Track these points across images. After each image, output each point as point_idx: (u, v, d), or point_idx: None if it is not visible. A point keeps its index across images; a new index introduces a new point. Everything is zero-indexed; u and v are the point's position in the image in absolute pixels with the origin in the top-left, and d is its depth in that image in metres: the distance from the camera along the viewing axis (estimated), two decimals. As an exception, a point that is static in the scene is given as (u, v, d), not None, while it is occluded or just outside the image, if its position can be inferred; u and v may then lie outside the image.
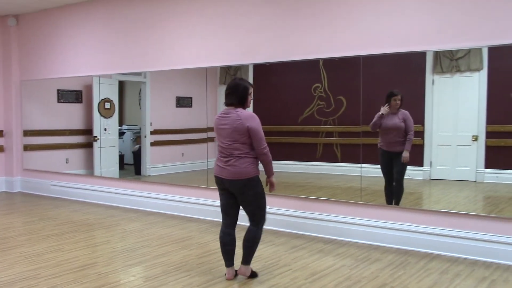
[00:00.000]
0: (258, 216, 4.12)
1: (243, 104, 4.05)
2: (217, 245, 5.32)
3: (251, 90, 4.08)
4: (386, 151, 5.74)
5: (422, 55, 5.57)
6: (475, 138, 5.52)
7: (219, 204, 6.46)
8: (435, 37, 5.04)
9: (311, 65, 6.42)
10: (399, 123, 5.59)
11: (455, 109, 5.70)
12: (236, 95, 4.03)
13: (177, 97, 8.31)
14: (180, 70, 7.03)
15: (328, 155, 6.92)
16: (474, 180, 5.64)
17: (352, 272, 4.41)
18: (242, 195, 4.04)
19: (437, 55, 5.59)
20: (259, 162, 4.07)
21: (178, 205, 6.98)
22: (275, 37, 6.07)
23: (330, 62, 6.16)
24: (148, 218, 6.74)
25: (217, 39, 6.56)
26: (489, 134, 5.50)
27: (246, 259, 4.19)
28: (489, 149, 5.53)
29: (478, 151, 5.54)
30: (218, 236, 5.66)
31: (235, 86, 4.05)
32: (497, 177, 5.56)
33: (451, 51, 5.43)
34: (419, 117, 5.80)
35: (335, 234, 5.58)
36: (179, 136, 8.24)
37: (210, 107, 7.67)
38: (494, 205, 5.48)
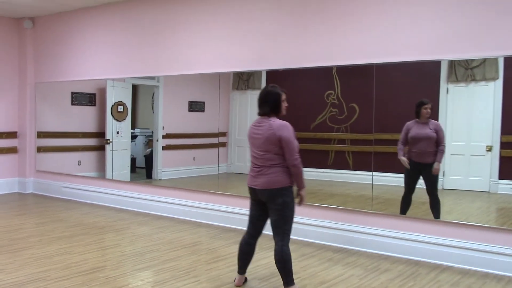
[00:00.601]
0: (281, 229, 3.90)
1: (276, 113, 3.96)
2: (226, 251, 5.32)
3: (284, 96, 3.98)
4: (415, 162, 5.57)
5: (437, 63, 5.53)
6: (489, 148, 5.45)
7: (228, 210, 6.53)
8: (451, 46, 4.99)
9: (324, 72, 6.41)
10: (431, 133, 5.45)
11: (469, 118, 5.63)
12: (268, 104, 3.94)
13: (189, 101, 8.33)
14: (193, 75, 7.05)
15: (340, 163, 6.89)
16: (487, 190, 5.57)
17: (362, 282, 4.37)
18: (271, 203, 3.92)
19: (452, 64, 5.54)
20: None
21: (188, 209, 6.98)
22: (288, 43, 6.06)
23: (343, 69, 6.14)
24: (158, 222, 6.75)
25: (231, 45, 6.56)
26: (503, 145, 5.43)
27: (286, 281, 3.91)
28: (503, 160, 5.46)
29: (492, 162, 5.47)
30: (227, 242, 5.69)
31: (266, 94, 3.97)
32: (511, 188, 5.48)
33: (466, 60, 5.38)
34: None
35: (345, 243, 5.53)
36: (191, 141, 8.26)
37: (222, 112, 7.69)
38: (507, 216, 5.40)
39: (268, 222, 4.06)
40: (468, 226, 4.95)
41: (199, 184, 7.51)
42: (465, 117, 5.63)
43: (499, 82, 5.40)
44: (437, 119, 5.72)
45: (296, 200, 4.03)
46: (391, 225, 5.33)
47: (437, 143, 5.44)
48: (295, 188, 3.99)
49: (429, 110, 5.49)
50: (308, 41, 5.91)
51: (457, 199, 5.78)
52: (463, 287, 4.29)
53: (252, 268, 4.73)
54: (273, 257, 5.05)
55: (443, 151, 5.43)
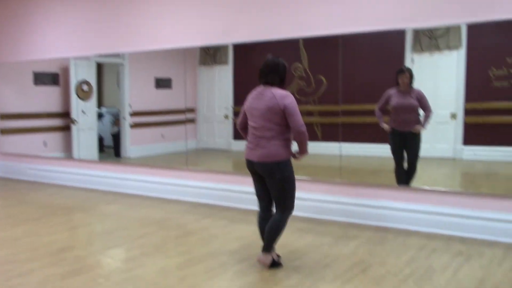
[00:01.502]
0: (283, 203, 3.90)
1: (283, 84, 3.91)
2: (196, 225, 5.33)
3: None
4: (399, 131, 5.53)
5: (401, 33, 5.56)
6: (454, 116, 5.54)
7: (198, 185, 6.52)
8: (414, 15, 5.02)
9: (291, 44, 6.37)
10: (414, 102, 5.37)
11: (434, 87, 5.70)
12: (278, 74, 3.85)
13: (156, 78, 8.21)
14: (159, 51, 6.93)
15: (309, 134, 6.92)
16: (452, 157, 5.68)
17: (332, 249, 4.43)
18: (270, 179, 3.87)
19: (417, 33, 5.58)
20: (293, 143, 3.90)
21: (158, 186, 6.94)
22: (255, 16, 6.00)
23: (310, 41, 6.11)
24: (127, 200, 6.69)
25: (196, 19, 6.46)
26: (467, 112, 5.53)
27: (266, 247, 3.96)
28: (467, 127, 5.56)
29: (456, 129, 5.57)
30: (197, 217, 5.69)
31: (276, 64, 3.86)
32: (474, 154, 5.60)
33: (430, 30, 5.42)
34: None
35: (315, 213, 5.60)
36: (158, 118, 8.17)
37: (190, 88, 7.61)
38: (471, 181, 5.54)
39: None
40: (434, 192, 5.06)
41: (168, 161, 7.46)
42: (430, 85, 5.69)
43: (462, 51, 5.46)
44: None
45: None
46: (359, 194, 5.40)
47: (424, 110, 5.36)
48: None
49: (406, 80, 5.38)
50: (275, 13, 5.86)
51: (424, 166, 5.87)
52: (429, 250, 4.40)
53: (223, 241, 4.75)
54: (243, 230, 5.11)
55: (429, 117, 5.36)
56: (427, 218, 4.99)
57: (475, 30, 5.21)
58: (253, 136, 3.91)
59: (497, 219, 4.67)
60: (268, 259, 3.98)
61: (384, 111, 5.56)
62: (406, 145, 5.51)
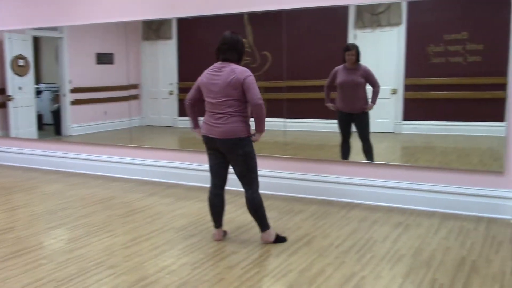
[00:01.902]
0: (248, 178, 3.92)
1: (241, 61, 3.88)
2: (142, 203, 5.27)
3: None
4: (345, 112, 5.55)
5: (344, 9, 5.61)
6: (394, 91, 5.68)
7: (143, 162, 6.44)
8: (355, -9, 5.09)
9: (236, 19, 6.31)
10: (358, 79, 5.39)
11: (376, 63, 5.80)
12: (237, 51, 3.83)
13: (97, 53, 7.95)
14: (100, 25, 6.71)
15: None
16: (392, 131, 5.85)
17: (277, 223, 4.51)
18: (232, 154, 3.85)
19: (359, 9, 5.65)
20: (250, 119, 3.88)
21: (102, 165, 6.80)
22: (197, -11, 5.90)
23: (254, 17, 6.08)
24: (70, 179, 6.53)
25: (137, -8, 6.29)
26: (407, 87, 5.69)
27: (262, 226, 4.00)
28: (407, 102, 5.73)
29: (396, 104, 5.73)
30: (143, 195, 5.63)
31: (236, 41, 3.83)
32: (414, 128, 5.79)
33: (372, 6, 5.50)
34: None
35: (261, 188, 5.64)
36: (101, 94, 7.94)
37: (133, 64, 7.43)
38: (411, 154, 5.74)
39: (231, 169, 4.01)
40: (375, 165, 5.22)
41: (112, 138, 7.30)
42: (372, 61, 5.78)
43: (403, 27, 5.59)
44: (346, 64, 5.86)
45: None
46: (303, 169, 5.50)
47: (371, 85, 5.40)
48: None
49: (352, 57, 5.39)
50: (217, -13, 5.79)
51: (352, 141, 5.98)
52: (371, 222, 4.56)
53: (169, 218, 4.73)
54: (188, 207, 5.10)
55: (377, 93, 5.40)
56: (369, 191, 5.15)
57: (415, 6, 5.35)
58: (211, 113, 3.87)
59: (435, 190, 4.88)
60: (271, 235, 4.03)
61: (332, 88, 5.63)
62: (355, 123, 5.56)
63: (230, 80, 3.74)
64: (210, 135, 3.87)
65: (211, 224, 4.53)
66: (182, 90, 7.32)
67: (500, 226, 4.39)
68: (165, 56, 7.67)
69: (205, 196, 5.52)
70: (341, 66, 5.51)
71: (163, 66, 7.74)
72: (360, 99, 5.48)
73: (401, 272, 3.44)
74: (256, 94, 3.74)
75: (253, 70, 6.82)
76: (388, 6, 5.49)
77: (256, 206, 3.95)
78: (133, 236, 4.24)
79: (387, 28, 5.67)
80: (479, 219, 4.58)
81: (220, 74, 3.80)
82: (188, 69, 7.35)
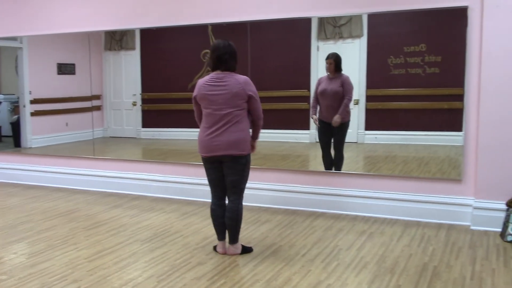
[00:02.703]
0: (239, 188, 3.90)
1: (235, 69, 3.84)
2: (106, 216, 5.20)
3: None
4: (325, 121, 5.57)
5: (307, 21, 5.71)
6: (356, 102, 5.79)
7: (106, 174, 6.34)
8: (319, 4, 5.19)
9: (199, 30, 6.33)
10: (337, 88, 5.42)
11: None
12: (233, 60, 3.80)
13: (58, 63, 7.81)
14: (61, 35, 6.61)
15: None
16: (355, 141, 5.95)
17: (243, 234, 4.51)
18: (234, 163, 3.81)
19: (322, 21, 5.76)
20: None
21: (63, 177, 6.67)
22: (162, 1, 5.89)
23: (218, 28, 6.11)
24: (30, 192, 6.37)
25: (101, 2, 6.23)
26: (368, 98, 5.81)
27: (234, 238, 3.98)
28: (368, 112, 5.85)
29: (359, 114, 5.83)
30: (106, 207, 5.55)
31: (234, 49, 3.81)
32: (375, 138, 5.92)
33: (334, 18, 5.62)
34: (306, 82, 5.96)
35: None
36: (62, 105, 7.79)
37: (95, 74, 7.34)
38: (373, 164, 5.85)
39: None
40: (339, 174, 5.31)
41: (74, 150, 7.17)
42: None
43: (364, 39, 5.72)
44: (309, 75, 5.95)
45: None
46: (269, 179, 5.53)
47: (343, 94, 5.42)
48: None
49: (330, 65, 5.43)
50: (181, -2, 5.80)
51: (317, 150, 6.05)
52: (336, 230, 4.62)
53: (134, 230, 4.68)
54: (153, 219, 5.06)
55: (346, 105, 5.42)
56: (333, 200, 5.22)
57: (375, 20, 5.49)
58: (212, 124, 3.80)
59: (397, 198, 4.99)
60: (238, 248, 4.01)
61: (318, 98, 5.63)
62: (331, 132, 5.57)
63: (237, 91, 3.72)
64: (213, 148, 3.79)
65: (177, 235, 4.52)
66: (146, 101, 7.27)
67: (459, 232, 4.53)
68: (128, 67, 7.60)
69: (171, 207, 5.50)
70: (325, 76, 5.56)
71: (126, 76, 7.67)
72: (337, 108, 5.47)
73: (366, 279, 3.49)
74: (260, 110, 3.88)
75: (217, 81, 6.84)
76: (350, 18, 5.62)
77: (238, 217, 3.93)
78: (97, 249, 4.17)
79: (349, 40, 5.79)
80: (439, 226, 4.71)
81: (224, 84, 3.74)
82: (152, 80, 7.31)
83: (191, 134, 6.99)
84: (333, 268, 3.70)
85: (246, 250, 4.06)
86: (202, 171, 5.84)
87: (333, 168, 5.51)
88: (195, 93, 3.88)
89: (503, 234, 4.33)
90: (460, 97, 4.85)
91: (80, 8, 6.35)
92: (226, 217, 3.94)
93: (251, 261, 3.87)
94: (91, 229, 4.76)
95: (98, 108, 7.60)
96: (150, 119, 7.32)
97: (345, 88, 5.43)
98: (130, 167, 6.33)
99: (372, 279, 3.49)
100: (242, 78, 3.79)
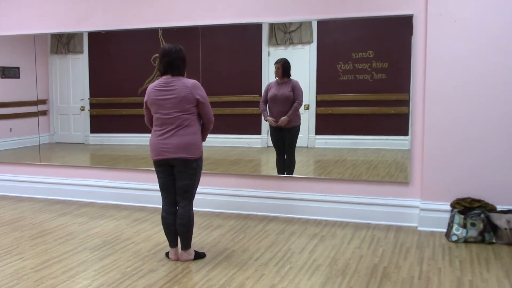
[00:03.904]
0: (190, 193, 3.89)
1: (183, 73, 3.82)
2: (52, 224, 5.04)
3: None
4: (274, 127, 5.60)
5: (258, 27, 5.75)
6: (307, 107, 5.87)
7: (53, 181, 6.15)
8: (269, 10, 5.24)
9: (150, 34, 6.26)
10: (287, 93, 5.44)
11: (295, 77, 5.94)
12: (183, 64, 3.79)
13: (1, 67, 7.53)
14: (4, 37, 6.38)
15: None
16: (306, 146, 6.03)
17: (195, 240, 4.47)
18: (185, 167, 3.80)
19: (272, 27, 5.81)
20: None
21: (7, 184, 6.43)
22: (111, 3, 5.80)
23: (169, 32, 6.06)
24: (-28, 200, 6.11)
25: (47, 3, 6.06)
26: (318, 103, 5.90)
27: (186, 244, 3.95)
28: (318, 117, 5.94)
29: (309, 119, 5.92)
30: (53, 215, 5.39)
31: (182, 53, 3.78)
32: (325, 142, 6.01)
33: (284, 24, 5.68)
34: (257, 87, 5.98)
35: (178, 204, 5.60)
36: (5, 110, 7.50)
37: (41, 78, 7.11)
38: (323, 168, 5.94)
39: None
40: (291, 178, 5.36)
41: (19, 156, 6.92)
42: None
43: (314, 45, 5.81)
44: (260, 81, 5.98)
45: None
46: (221, 183, 5.52)
47: (294, 98, 5.47)
48: None
49: (277, 70, 5.47)
50: (132, 2, 5.72)
51: (268, 155, 6.10)
52: (288, 234, 4.66)
53: (83, 238, 4.56)
54: (103, 226, 4.95)
55: (296, 108, 5.47)
56: (285, 204, 5.27)
57: (324, 26, 5.59)
58: (163, 127, 3.79)
59: (347, 201, 5.09)
60: (191, 254, 3.99)
61: (267, 103, 5.63)
62: (283, 137, 5.62)
63: (184, 95, 3.71)
64: (164, 152, 3.79)
65: (127, 242, 4.44)
66: (94, 106, 7.11)
67: (407, 233, 4.66)
68: (75, 71, 7.41)
69: (122, 213, 5.40)
70: (274, 81, 5.60)
71: (73, 81, 7.47)
72: (287, 113, 5.51)
73: (318, 282, 3.54)
74: (210, 113, 3.88)
75: (168, 86, 6.77)
76: (300, 25, 5.70)
77: (190, 223, 3.91)
78: (44, 259, 4.04)
79: (299, 46, 5.87)
80: (388, 228, 4.83)
81: (171, 89, 3.73)
82: (100, 84, 7.15)
83: (141, 140, 6.89)
84: (286, 272, 3.73)
85: (199, 255, 4.04)
86: (153, 176, 5.76)
87: (285, 172, 5.56)
88: (145, 98, 3.87)
89: (448, 234, 4.49)
90: (406, 103, 5.01)
91: (25, 9, 6.16)
92: (178, 224, 3.91)
93: (204, 266, 3.85)
94: (37, 238, 4.60)
95: (44, 113, 7.36)
96: (98, 124, 7.16)
97: (296, 93, 5.49)
98: (78, 173, 6.17)
99: (325, 281, 3.54)
100: (190, 82, 3.79)
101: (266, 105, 5.66)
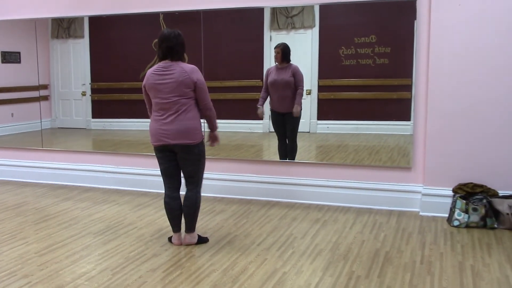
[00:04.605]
0: (196, 178, 3.90)
1: (183, 58, 3.82)
2: (56, 209, 5.06)
3: None
4: (276, 112, 5.59)
5: (260, 11, 5.71)
6: (309, 92, 5.86)
7: (56, 166, 6.17)
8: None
9: (151, 19, 6.22)
10: (288, 78, 5.42)
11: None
12: (183, 49, 3.78)
13: (2, 52, 7.50)
14: (5, 22, 6.35)
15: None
16: (308, 131, 6.03)
17: (199, 224, 4.49)
18: (187, 153, 3.80)
19: (274, 11, 5.77)
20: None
21: (10, 169, 6.44)
22: (110, -13, 5.76)
23: (170, 16, 6.02)
24: (-25, 185, 6.13)
25: (46, -12, 6.02)
26: (320, 88, 5.88)
27: (190, 227, 3.97)
28: (320, 102, 5.92)
29: (311, 104, 5.91)
30: (56, 199, 5.41)
31: (180, 38, 3.77)
32: (328, 127, 6.01)
33: (286, 9, 5.65)
34: (259, 72, 5.97)
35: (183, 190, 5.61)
36: (7, 95, 7.49)
37: (42, 63, 7.09)
38: (325, 153, 5.94)
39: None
40: (292, 164, 5.37)
41: (21, 141, 6.92)
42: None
43: (316, 30, 5.78)
44: (262, 66, 5.96)
45: (208, 142, 4.04)
46: (223, 169, 5.53)
47: (295, 87, 5.46)
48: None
49: (276, 54, 5.44)
50: (132, -14, 5.68)
51: (270, 140, 6.09)
52: (290, 219, 4.68)
53: (86, 223, 4.58)
54: (106, 211, 4.97)
55: (301, 94, 5.45)
56: (287, 189, 5.28)
57: (327, 10, 5.55)
58: (162, 113, 3.78)
59: (349, 186, 5.10)
60: (194, 237, 4.01)
61: (267, 88, 5.61)
62: (285, 122, 5.61)
63: (182, 80, 3.70)
64: (164, 137, 3.78)
65: (130, 227, 4.46)
66: (95, 91, 7.10)
67: (409, 218, 4.68)
68: (76, 56, 7.38)
69: (124, 199, 5.42)
70: (273, 66, 5.57)
71: (74, 66, 7.45)
72: (291, 99, 5.49)
73: (320, 266, 3.56)
74: (207, 98, 3.84)
75: (170, 71, 6.74)
76: (302, 9, 5.66)
77: (196, 206, 3.93)
78: (48, 243, 4.06)
79: (301, 31, 5.83)
80: (390, 213, 4.85)
81: (170, 73, 3.72)
82: (101, 69, 7.13)
83: (143, 124, 6.87)
84: (289, 256, 3.75)
85: (202, 240, 4.06)
86: (155, 162, 5.78)
87: (287, 158, 5.56)
88: (144, 82, 3.86)
89: (449, 219, 4.51)
90: (408, 88, 4.99)
91: (25, -6, 6.12)
92: (184, 206, 3.93)
93: (207, 251, 3.87)
94: (40, 222, 4.63)
95: (45, 98, 7.36)
96: (100, 109, 7.15)
97: (297, 79, 5.46)
98: (80, 158, 6.18)
99: (327, 266, 3.56)
100: (189, 67, 3.78)
101: (267, 92, 5.63)
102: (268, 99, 5.65)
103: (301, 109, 5.59)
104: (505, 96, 4.49)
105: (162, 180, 4.01)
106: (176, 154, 3.87)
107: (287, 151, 5.61)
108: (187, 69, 3.74)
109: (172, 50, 3.75)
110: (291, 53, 5.52)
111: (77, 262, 3.68)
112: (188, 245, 4.00)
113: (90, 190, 5.84)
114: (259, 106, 5.66)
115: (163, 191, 3.99)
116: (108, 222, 4.63)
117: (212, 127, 4.01)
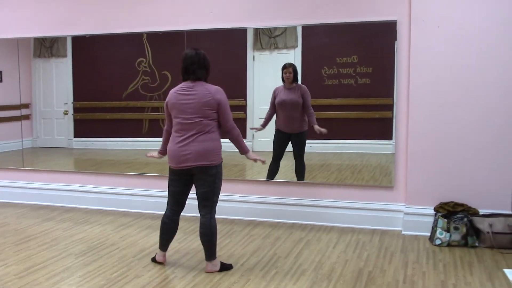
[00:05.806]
0: (210, 201, 3.78)
1: (207, 78, 3.78)
2: (36, 229, 4.99)
3: None
4: (283, 131, 5.55)
5: (243, 31, 5.76)
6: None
7: (37, 186, 6.09)
8: (254, 15, 5.26)
9: (134, 38, 6.24)
10: (297, 98, 5.40)
11: (273, 84, 5.96)
12: (206, 69, 3.75)
13: (-17, 70, 7.45)
14: (-14, 41, 6.32)
15: (155, 131, 6.84)
16: (291, 150, 6.04)
17: (181, 245, 4.47)
18: (204, 174, 3.70)
19: (257, 32, 5.83)
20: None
21: (-10, 190, 6.35)
22: (95, 7, 5.77)
23: (154, 37, 6.05)
24: (-47, 206, 6.02)
25: (30, 7, 6.01)
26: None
27: (210, 254, 3.82)
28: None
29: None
30: (37, 220, 5.33)
31: (204, 58, 3.74)
32: (311, 146, 6.02)
33: (269, 29, 5.71)
34: (242, 92, 6.01)
35: (162, 210, 5.57)
36: (-13, 114, 7.43)
37: (24, 82, 7.04)
38: (308, 172, 5.93)
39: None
40: (276, 183, 5.38)
41: (1, 161, 6.82)
42: (269, 82, 5.94)
43: (299, 50, 5.84)
44: (245, 85, 6.00)
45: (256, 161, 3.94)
46: (207, 188, 5.51)
47: (305, 108, 5.43)
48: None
49: (288, 74, 5.42)
50: (116, 6, 5.70)
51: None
52: (273, 239, 4.67)
53: (67, 244, 4.52)
54: (88, 231, 4.91)
55: (313, 114, 5.43)
56: (271, 209, 5.28)
57: (309, 31, 5.62)
58: (182, 133, 3.71)
59: (332, 206, 5.12)
60: (217, 265, 3.86)
61: (274, 108, 5.58)
62: (292, 142, 5.56)
63: (206, 101, 3.66)
64: (183, 159, 3.69)
65: (112, 248, 4.41)
66: (78, 110, 7.05)
67: (392, 237, 4.70)
68: (59, 75, 7.35)
69: (107, 219, 5.36)
70: (281, 86, 5.54)
71: (57, 85, 7.41)
72: (299, 119, 5.49)
73: (304, 286, 3.55)
74: (230, 119, 3.77)
75: (153, 90, 6.79)
76: (285, 29, 5.72)
77: (212, 232, 3.79)
78: (28, 265, 4.00)
79: (284, 51, 5.89)
80: (373, 232, 4.87)
81: (193, 93, 3.68)
82: (84, 88, 7.10)
83: (125, 144, 6.87)
84: (272, 276, 3.74)
85: (225, 267, 3.90)
86: (137, 181, 5.76)
87: (297, 178, 5.50)
88: (166, 100, 3.82)
89: (432, 238, 4.54)
90: (390, 107, 5.06)
91: (8, 13, 6.10)
92: (200, 234, 3.82)
93: (190, 272, 3.85)
94: (21, 243, 4.55)
95: (27, 117, 7.29)
96: (82, 128, 7.11)
97: (306, 99, 5.43)
98: (62, 178, 6.12)
99: (310, 286, 3.56)
100: (214, 88, 3.74)
101: (273, 112, 5.60)
102: (274, 117, 5.64)
103: (307, 129, 5.55)
104: (486, 116, 4.57)
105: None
106: (192, 176, 3.79)
107: (296, 171, 5.55)
108: (212, 90, 3.70)
109: (190, 71, 3.72)
110: (274, 73, 5.57)
111: (57, 284, 3.62)
112: (210, 272, 3.85)
113: (71, 211, 5.78)
114: (261, 127, 5.65)
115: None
116: (90, 242, 4.58)
117: (243, 149, 3.91)
